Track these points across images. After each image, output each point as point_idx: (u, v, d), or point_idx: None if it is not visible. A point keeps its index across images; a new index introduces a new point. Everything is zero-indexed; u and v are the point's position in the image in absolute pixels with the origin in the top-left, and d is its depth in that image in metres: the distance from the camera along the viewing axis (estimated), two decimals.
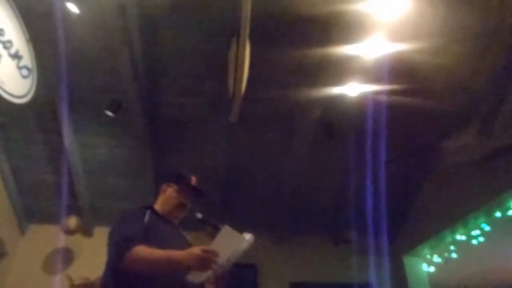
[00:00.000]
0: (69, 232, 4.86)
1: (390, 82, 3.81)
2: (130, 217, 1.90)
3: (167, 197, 2.09)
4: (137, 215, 1.90)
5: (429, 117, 4.28)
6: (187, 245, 2.02)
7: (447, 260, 5.21)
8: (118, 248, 1.71)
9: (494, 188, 3.95)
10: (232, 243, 1.70)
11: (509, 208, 4.09)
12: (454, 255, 5.11)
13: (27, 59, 3.01)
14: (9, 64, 2.78)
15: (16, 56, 2.85)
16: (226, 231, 1.67)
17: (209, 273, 1.68)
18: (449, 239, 4.85)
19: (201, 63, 3.87)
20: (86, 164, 4.75)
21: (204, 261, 1.62)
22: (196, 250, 1.65)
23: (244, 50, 2.86)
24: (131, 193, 4.96)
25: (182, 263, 1.64)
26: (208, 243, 1.78)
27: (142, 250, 1.67)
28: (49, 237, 5.06)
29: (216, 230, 2.03)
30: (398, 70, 3.72)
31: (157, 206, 2.08)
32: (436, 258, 5.32)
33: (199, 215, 2.09)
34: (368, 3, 3.21)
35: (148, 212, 1.95)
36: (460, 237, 4.74)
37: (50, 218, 5.04)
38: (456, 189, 4.43)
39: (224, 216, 4.99)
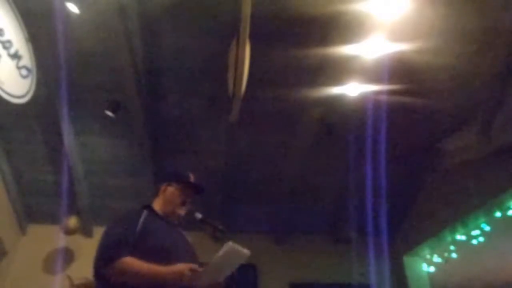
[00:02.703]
0: (69, 232, 4.86)
1: (390, 82, 3.81)
2: (123, 221, 1.89)
3: (168, 196, 2.09)
4: (132, 217, 1.89)
5: (429, 117, 4.28)
6: (187, 244, 2.02)
7: (447, 260, 5.21)
8: (104, 256, 1.72)
9: (494, 188, 3.95)
10: (234, 259, 1.71)
11: (509, 208, 4.09)
12: (454, 255, 5.11)
13: (27, 59, 3.00)
14: (9, 64, 2.78)
15: (15, 56, 2.85)
16: (230, 248, 1.66)
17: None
18: (449, 239, 4.85)
19: (201, 63, 3.87)
20: (86, 164, 4.76)
21: (191, 281, 1.63)
22: (182, 268, 1.66)
23: (244, 50, 2.86)
24: (131, 193, 4.96)
25: (167, 281, 1.65)
26: (208, 244, 1.77)
27: (128, 263, 1.67)
28: (49, 237, 5.06)
29: (216, 230, 2.03)
30: (398, 70, 3.72)
31: (157, 206, 2.08)
32: (436, 258, 5.32)
33: (199, 215, 2.10)
34: (368, 3, 3.21)
35: (144, 212, 1.94)
36: (460, 237, 4.74)
37: (50, 218, 5.04)
38: (456, 189, 4.43)
39: (224, 216, 4.99)
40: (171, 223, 2.05)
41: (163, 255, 1.77)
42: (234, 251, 1.66)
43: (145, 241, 1.78)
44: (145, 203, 2.10)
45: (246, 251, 1.69)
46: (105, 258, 1.71)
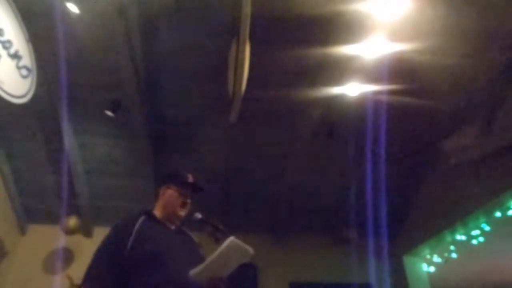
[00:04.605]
0: (69, 232, 4.86)
1: (390, 82, 3.81)
2: (117, 232, 1.89)
3: (168, 199, 2.08)
4: (127, 227, 1.89)
5: (429, 117, 4.28)
6: (191, 248, 2.00)
7: (447, 260, 5.21)
8: (84, 274, 1.80)
9: (494, 188, 3.95)
10: (237, 255, 1.70)
11: (509, 208, 4.09)
12: (454, 255, 5.11)
13: (27, 59, 3.00)
14: (9, 64, 2.78)
15: (15, 56, 2.85)
16: (232, 243, 1.65)
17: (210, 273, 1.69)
18: (449, 239, 4.85)
19: (201, 63, 3.87)
20: (86, 164, 4.75)
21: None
22: None
23: (244, 50, 2.86)
24: (131, 193, 4.95)
25: None
26: (208, 244, 1.76)
27: None
28: (49, 237, 5.06)
29: (216, 230, 2.02)
30: (398, 70, 3.72)
31: (157, 210, 2.07)
32: (436, 258, 5.32)
33: (199, 215, 2.09)
34: (368, 3, 3.21)
35: (141, 219, 1.94)
36: (460, 237, 4.74)
37: (50, 218, 5.04)
38: (456, 189, 4.43)
39: (224, 216, 4.99)
40: (172, 226, 2.04)
41: (158, 261, 1.77)
42: (236, 247, 1.65)
43: (139, 248, 1.79)
44: (148, 207, 2.10)
45: (249, 249, 1.68)
46: (84, 277, 1.81)
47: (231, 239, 1.65)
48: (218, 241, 1.95)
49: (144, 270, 1.74)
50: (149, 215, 2.01)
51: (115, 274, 1.76)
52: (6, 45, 2.75)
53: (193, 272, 1.69)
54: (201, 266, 1.68)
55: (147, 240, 1.84)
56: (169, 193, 2.09)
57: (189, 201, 2.11)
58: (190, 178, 2.16)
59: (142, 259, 1.76)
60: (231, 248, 1.65)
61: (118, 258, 1.78)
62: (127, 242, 1.80)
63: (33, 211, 5.13)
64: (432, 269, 5.42)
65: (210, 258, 1.67)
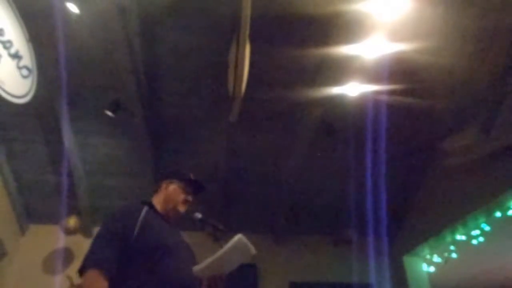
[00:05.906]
0: (69, 232, 4.86)
1: (390, 82, 3.81)
2: (120, 218, 1.84)
3: (170, 193, 2.07)
4: (131, 214, 1.86)
5: (429, 117, 4.28)
6: (185, 244, 2.01)
7: (447, 260, 5.21)
8: (81, 266, 1.71)
9: (494, 188, 3.94)
10: (241, 253, 1.70)
11: (509, 208, 4.08)
12: (454, 255, 5.11)
13: (27, 59, 3.00)
14: (9, 64, 2.78)
15: (16, 56, 2.85)
16: (240, 240, 1.64)
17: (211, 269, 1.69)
18: (449, 239, 4.84)
19: (201, 63, 3.87)
20: (86, 164, 4.76)
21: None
22: None
23: (244, 50, 2.86)
24: (131, 193, 4.96)
25: None
26: (208, 244, 1.76)
27: (92, 281, 1.64)
28: (49, 237, 5.06)
29: (216, 230, 2.03)
30: (398, 70, 3.72)
31: (157, 203, 2.06)
32: (436, 258, 5.32)
33: (199, 215, 2.09)
34: (368, 3, 3.21)
35: (145, 208, 1.94)
36: (460, 237, 4.74)
37: (50, 218, 5.04)
38: (456, 189, 4.43)
39: (224, 216, 5.00)
40: (169, 221, 2.04)
41: (163, 253, 1.76)
42: (243, 245, 1.65)
43: (145, 238, 1.77)
44: (144, 200, 2.09)
45: (252, 249, 1.69)
46: (80, 268, 1.70)
47: (239, 236, 1.64)
48: (218, 241, 1.95)
49: (148, 260, 1.73)
50: (151, 207, 2.01)
51: (119, 260, 1.70)
52: (7, 45, 2.75)
53: (197, 267, 1.69)
54: (206, 262, 1.68)
55: (153, 231, 1.82)
56: (173, 188, 2.08)
57: (190, 199, 2.11)
58: (194, 177, 2.17)
59: (148, 249, 1.74)
60: (238, 246, 1.65)
61: (123, 244, 1.73)
62: (134, 230, 1.77)
63: (33, 211, 5.14)
64: (432, 269, 5.42)
65: (216, 255, 1.66)
